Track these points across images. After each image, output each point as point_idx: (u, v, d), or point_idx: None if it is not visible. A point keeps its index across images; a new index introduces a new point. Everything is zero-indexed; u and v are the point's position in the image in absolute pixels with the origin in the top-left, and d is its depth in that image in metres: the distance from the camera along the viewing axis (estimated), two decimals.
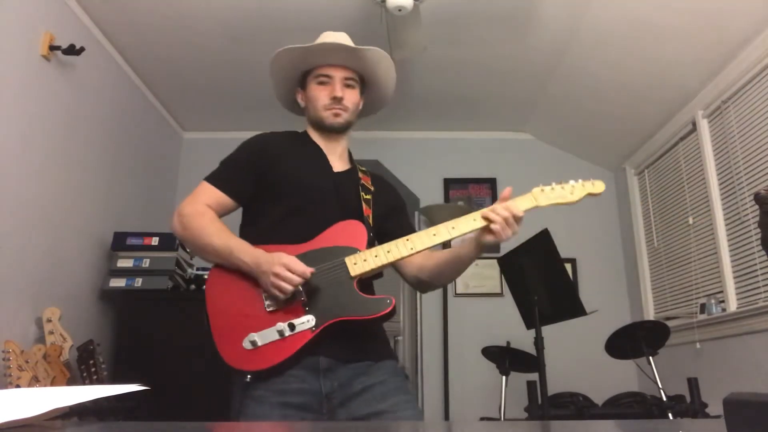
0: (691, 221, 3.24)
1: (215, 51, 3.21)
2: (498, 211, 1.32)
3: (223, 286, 1.38)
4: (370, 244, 1.40)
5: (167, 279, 3.00)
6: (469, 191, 4.12)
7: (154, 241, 3.08)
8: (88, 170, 2.94)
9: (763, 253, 2.31)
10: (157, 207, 3.81)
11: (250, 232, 1.46)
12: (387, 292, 1.36)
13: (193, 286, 3.13)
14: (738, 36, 2.66)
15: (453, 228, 1.36)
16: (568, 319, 2.66)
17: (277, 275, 1.26)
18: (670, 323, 2.90)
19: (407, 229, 1.53)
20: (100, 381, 2.35)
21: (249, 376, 1.28)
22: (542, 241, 2.41)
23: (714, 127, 3.07)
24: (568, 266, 3.79)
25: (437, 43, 3.01)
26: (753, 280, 2.71)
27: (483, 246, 1.37)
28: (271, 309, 1.32)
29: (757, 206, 0.75)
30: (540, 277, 2.60)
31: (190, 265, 3.28)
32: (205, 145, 4.25)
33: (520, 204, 1.36)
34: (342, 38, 1.54)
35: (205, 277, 3.17)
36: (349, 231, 1.39)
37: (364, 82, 1.58)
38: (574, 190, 1.42)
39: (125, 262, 3.03)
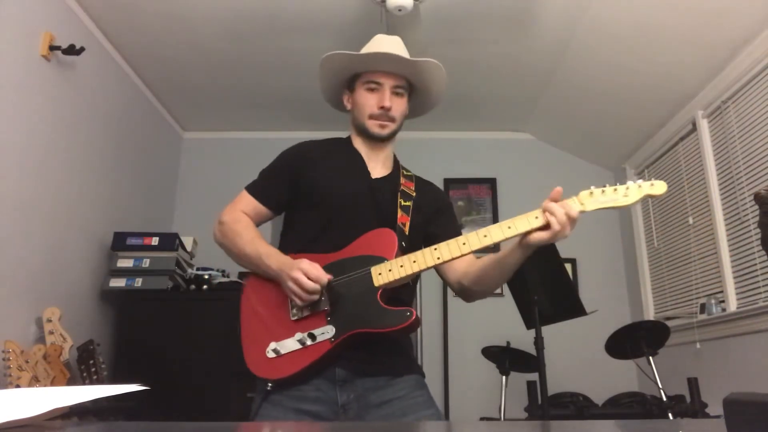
0: (691, 221, 3.24)
1: (215, 51, 3.21)
2: (556, 209, 1.23)
3: (255, 296, 1.40)
4: (404, 253, 1.35)
5: (167, 279, 3.01)
6: (469, 191, 4.12)
7: (154, 241, 3.08)
8: (88, 170, 2.94)
9: (763, 253, 2.31)
10: (157, 207, 3.82)
11: (287, 240, 1.48)
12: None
13: (193, 286, 3.13)
14: (738, 36, 2.66)
15: (485, 236, 1.28)
16: (568, 319, 2.67)
17: (294, 280, 1.27)
18: (670, 323, 2.90)
19: (452, 232, 1.46)
20: (100, 381, 2.35)
21: (270, 384, 1.29)
22: None
23: (714, 127, 3.07)
24: (568, 266, 3.79)
25: (437, 43, 3.02)
26: (753, 280, 2.71)
27: (531, 247, 1.27)
28: (295, 318, 1.32)
29: (757, 206, 0.75)
30: (540, 277, 2.60)
31: (190, 265, 3.29)
32: (205, 145, 4.26)
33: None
34: (395, 43, 1.51)
35: (206, 276, 3.22)
36: (380, 240, 1.36)
37: (412, 86, 1.55)
38: (629, 192, 1.28)
39: (125, 262, 3.03)
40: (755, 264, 2.70)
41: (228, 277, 3.28)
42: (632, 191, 1.28)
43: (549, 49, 3.18)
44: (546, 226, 1.24)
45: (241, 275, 3.47)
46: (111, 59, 3.17)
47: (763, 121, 2.65)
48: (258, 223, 1.48)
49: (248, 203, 1.48)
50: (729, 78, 2.86)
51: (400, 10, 2.48)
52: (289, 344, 1.29)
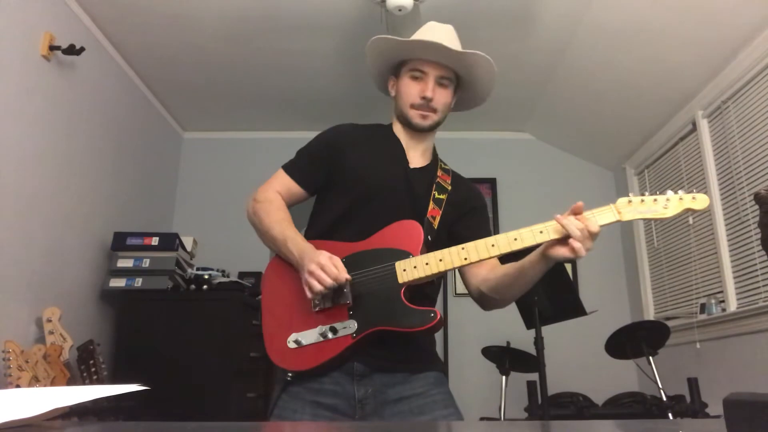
0: (691, 221, 3.24)
1: (215, 51, 3.21)
2: (573, 224, 1.17)
3: (278, 281, 1.38)
4: (428, 248, 1.31)
5: (167, 279, 3.00)
6: None
7: (154, 241, 3.08)
8: (88, 170, 2.94)
9: (763, 253, 2.31)
10: (157, 207, 3.82)
11: (315, 223, 1.46)
12: None
13: (193, 286, 3.13)
14: (738, 36, 2.66)
15: (515, 239, 1.23)
16: (568, 319, 2.67)
17: (311, 273, 1.24)
18: (670, 323, 2.90)
19: (482, 233, 1.40)
20: (100, 381, 2.35)
21: (290, 375, 1.29)
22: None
23: (714, 127, 3.07)
24: (568, 266, 3.79)
25: None
26: (753, 280, 2.71)
27: (551, 261, 1.24)
28: (317, 309, 1.29)
29: (757, 206, 0.75)
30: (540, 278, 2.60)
31: (190, 265, 3.28)
32: (205, 145, 4.26)
33: (600, 218, 1.21)
34: (445, 32, 1.48)
35: (206, 276, 3.21)
36: (405, 232, 1.32)
37: (459, 78, 1.50)
38: (669, 203, 1.21)
39: (125, 262, 3.03)
40: (755, 264, 2.70)
41: (228, 277, 3.28)
42: (672, 203, 1.21)
43: (549, 49, 3.18)
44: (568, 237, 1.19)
45: (242, 275, 3.48)
46: (111, 59, 3.17)
47: (763, 121, 2.65)
48: (291, 204, 1.46)
49: (283, 182, 1.45)
50: (729, 78, 2.86)
51: (400, 10, 2.48)
52: (311, 336, 1.28)
